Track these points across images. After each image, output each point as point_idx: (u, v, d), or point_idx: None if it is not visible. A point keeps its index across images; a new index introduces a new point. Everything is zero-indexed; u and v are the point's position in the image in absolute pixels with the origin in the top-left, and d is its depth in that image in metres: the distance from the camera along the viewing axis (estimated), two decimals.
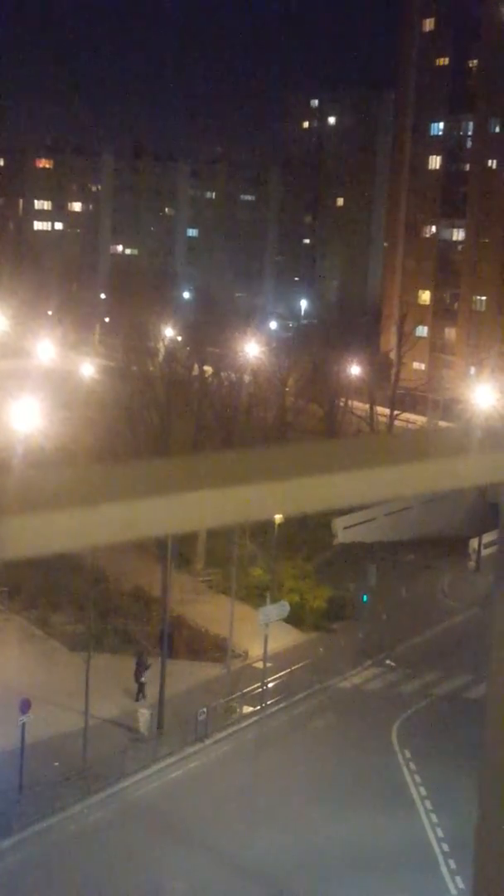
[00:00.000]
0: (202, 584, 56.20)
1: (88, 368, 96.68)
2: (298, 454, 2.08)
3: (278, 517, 45.73)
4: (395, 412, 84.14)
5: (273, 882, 32.01)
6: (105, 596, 50.63)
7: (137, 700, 43.00)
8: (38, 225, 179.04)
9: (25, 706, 36.84)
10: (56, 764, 37.78)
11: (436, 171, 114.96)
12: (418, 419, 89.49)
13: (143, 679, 43.23)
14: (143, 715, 41.06)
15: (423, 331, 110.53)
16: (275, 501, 1.96)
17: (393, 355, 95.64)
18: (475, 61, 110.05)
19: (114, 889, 31.55)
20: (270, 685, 45.10)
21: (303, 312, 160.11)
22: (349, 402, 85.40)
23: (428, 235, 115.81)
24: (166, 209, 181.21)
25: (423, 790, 37.62)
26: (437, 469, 2.19)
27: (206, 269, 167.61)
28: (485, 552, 59.56)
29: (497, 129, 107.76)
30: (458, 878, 31.72)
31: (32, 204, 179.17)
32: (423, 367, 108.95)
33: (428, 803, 36.69)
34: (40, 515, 1.72)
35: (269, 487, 1.95)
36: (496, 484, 2.35)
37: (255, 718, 43.39)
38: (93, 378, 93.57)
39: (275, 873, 32.45)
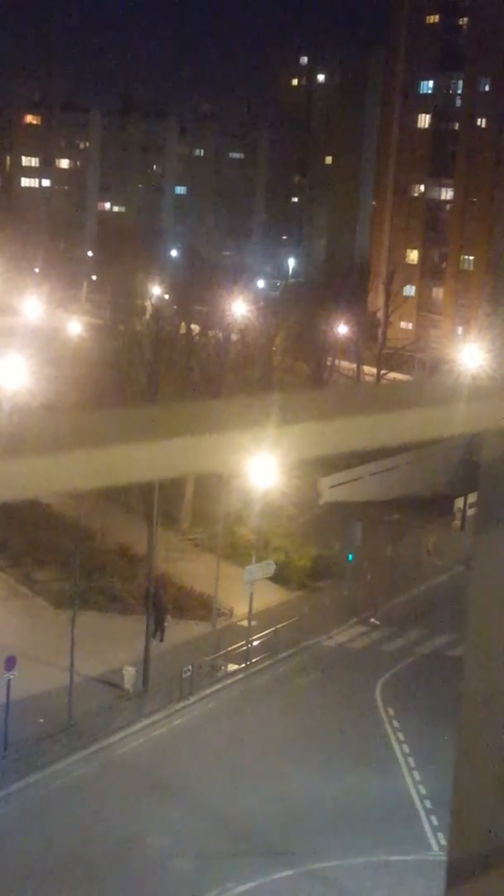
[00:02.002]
0: (188, 542, 56.26)
1: (75, 326, 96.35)
2: (281, 404, 2.06)
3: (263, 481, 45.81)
4: (382, 371, 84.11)
5: (255, 837, 32.28)
6: (91, 554, 50.58)
7: (155, 636, 43.56)
8: (26, 182, 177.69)
9: (11, 663, 36.96)
10: (41, 720, 37.98)
11: (425, 129, 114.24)
12: (405, 378, 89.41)
13: (164, 625, 44.19)
14: (129, 672, 41.24)
15: (410, 290, 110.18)
16: (260, 448, 1.94)
17: (380, 314, 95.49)
18: (465, 19, 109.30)
19: (97, 843, 31.76)
20: (255, 643, 45.27)
21: (290, 271, 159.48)
22: (336, 361, 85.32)
23: (416, 195, 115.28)
24: (154, 166, 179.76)
25: (406, 747, 37.90)
26: (422, 417, 2.18)
27: (194, 226, 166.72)
28: (470, 512, 59.69)
29: (486, 88, 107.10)
30: (439, 835, 31.99)
31: (20, 160, 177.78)
32: (410, 326, 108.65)
33: (411, 760, 36.98)
34: (13, 461, 1.70)
35: (257, 434, 1.93)
36: (477, 434, 2.33)
37: (239, 676, 43.61)
38: (80, 336, 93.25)
39: (257, 828, 32.71)
